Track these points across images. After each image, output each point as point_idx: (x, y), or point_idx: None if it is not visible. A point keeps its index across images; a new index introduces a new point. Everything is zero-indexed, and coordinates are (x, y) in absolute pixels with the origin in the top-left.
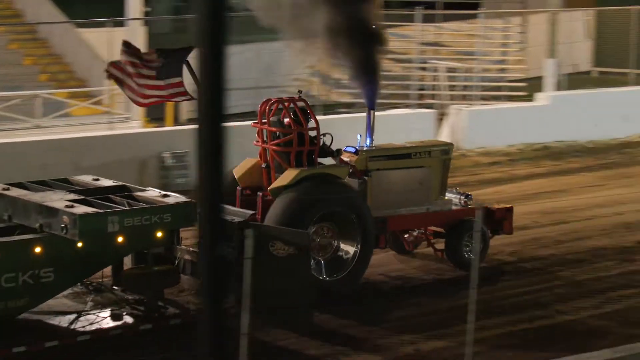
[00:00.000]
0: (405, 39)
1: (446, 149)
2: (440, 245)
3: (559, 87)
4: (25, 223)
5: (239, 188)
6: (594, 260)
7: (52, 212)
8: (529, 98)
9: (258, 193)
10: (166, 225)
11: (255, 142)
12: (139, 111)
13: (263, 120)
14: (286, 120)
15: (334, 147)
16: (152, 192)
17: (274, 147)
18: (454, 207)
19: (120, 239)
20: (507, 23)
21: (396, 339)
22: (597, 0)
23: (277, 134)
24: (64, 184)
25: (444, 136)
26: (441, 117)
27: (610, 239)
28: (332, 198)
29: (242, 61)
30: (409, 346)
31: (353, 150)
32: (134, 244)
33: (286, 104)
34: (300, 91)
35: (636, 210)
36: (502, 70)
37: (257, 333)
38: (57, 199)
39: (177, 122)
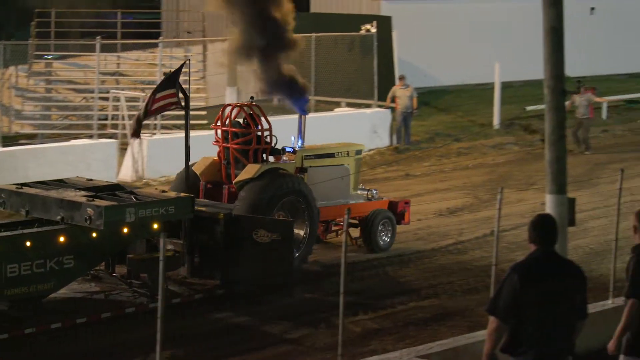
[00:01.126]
0: (86, 69)
1: (360, 150)
2: (354, 233)
3: None
4: (44, 217)
5: (202, 183)
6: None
7: (75, 205)
8: (209, 126)
9: (224, 186)
10: (170, 216)
11: (214, 142)
12: None
13: (225, 123)
14: (241, 121)
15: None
16: (149, 189)
17: (236, 146)
18: (363, 200)
19: (125, 230)
20: (188, 52)
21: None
22: None
23: (237, 134)
24: (62, 183)
25: (127, 166)
26: (124, 146)
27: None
28: (290, 188)
29: None
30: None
31: (291, 150)
32: (137, 234)
33: (244, 108)
34: (252, 97)
35: None
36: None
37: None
38: (73, 195)
39: None
